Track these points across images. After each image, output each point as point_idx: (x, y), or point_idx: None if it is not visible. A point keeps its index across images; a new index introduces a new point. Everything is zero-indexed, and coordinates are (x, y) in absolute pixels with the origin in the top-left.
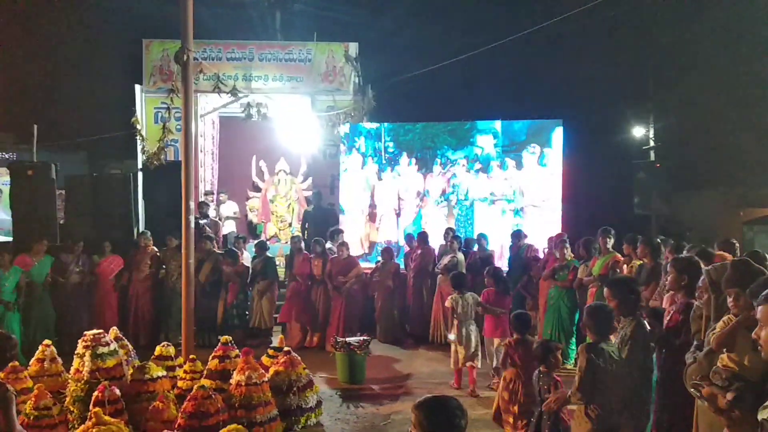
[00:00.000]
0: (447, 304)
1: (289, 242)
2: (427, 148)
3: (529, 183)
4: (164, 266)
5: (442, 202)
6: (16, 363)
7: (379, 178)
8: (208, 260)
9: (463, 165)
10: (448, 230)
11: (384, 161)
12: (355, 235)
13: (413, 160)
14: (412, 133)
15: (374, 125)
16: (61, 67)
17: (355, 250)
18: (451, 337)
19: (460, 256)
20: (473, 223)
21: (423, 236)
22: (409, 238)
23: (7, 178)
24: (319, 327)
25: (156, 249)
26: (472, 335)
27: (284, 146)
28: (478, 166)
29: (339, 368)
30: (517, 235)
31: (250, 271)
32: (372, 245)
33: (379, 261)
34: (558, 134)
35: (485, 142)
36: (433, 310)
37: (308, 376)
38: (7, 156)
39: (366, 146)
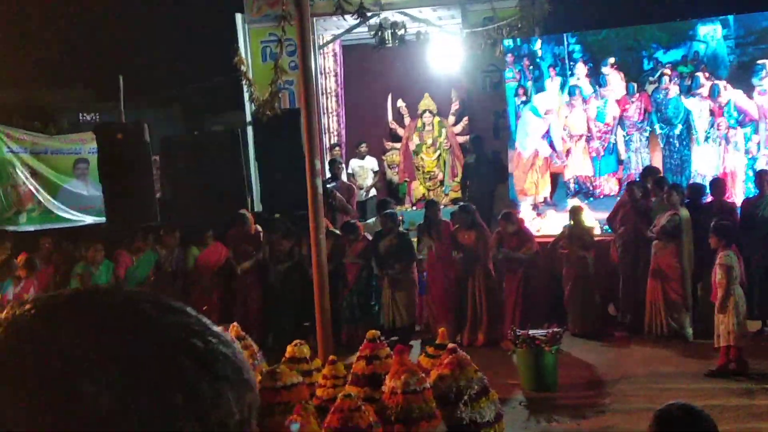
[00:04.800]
0: (721, 261)
1: (443, 205)
2: (629, 48)
3: None
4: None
5: (642, 126)
6: None
7: (568, 102)
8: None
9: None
10: (659, 178)
11: (570, 79)
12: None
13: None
14: (607, 40)
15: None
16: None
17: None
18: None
19: (684, 212)
20: (689, 161)
21: (637, 185)
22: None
23: (94, 144)
24: (479, 320)
25: (260, 228)
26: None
27: (429, 78)
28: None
29: (522, 370)
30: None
31: (376, 250)
32: (554, 185)
33: (565, 227)
34: None
35: (710, 35)
36: (648, 290)
37: (482, 381)
38: (89, 118)
39: (539, 65)
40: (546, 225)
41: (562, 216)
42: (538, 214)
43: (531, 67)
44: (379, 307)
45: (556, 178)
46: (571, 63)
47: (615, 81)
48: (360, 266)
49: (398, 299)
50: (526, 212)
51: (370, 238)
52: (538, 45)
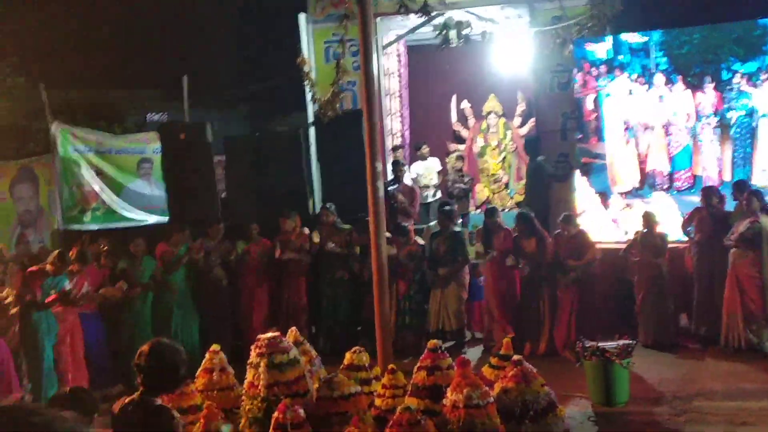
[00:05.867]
0: None
1: (507, 209)
2: (707, 62)
3: None
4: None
5: (712, 122)
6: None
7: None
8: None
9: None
10: (739, 182)
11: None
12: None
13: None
14: (689, 44)
15: (636, 37)
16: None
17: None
18: None
19: (765, 220)
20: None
21: (713, 190)
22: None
23: (158, 144)
24: (541, 329)
25: (307, 229)
26: None
27: (494, 79)
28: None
29: (590, 383)
30: None
31: (427, 251)
32: (644, 176)
33: (637, 233)
34: None
35: None
36: (725, 300)
37: (549, 396)
38: (156, 118)
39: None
40: (632, 218)
41: (648, 208)
42: (627, 205)
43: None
44: (428, 311)
45: (643, 170)
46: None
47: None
48: (413, 271)
49: (446, 302)
50: (615, 201)
51: (422, 243)
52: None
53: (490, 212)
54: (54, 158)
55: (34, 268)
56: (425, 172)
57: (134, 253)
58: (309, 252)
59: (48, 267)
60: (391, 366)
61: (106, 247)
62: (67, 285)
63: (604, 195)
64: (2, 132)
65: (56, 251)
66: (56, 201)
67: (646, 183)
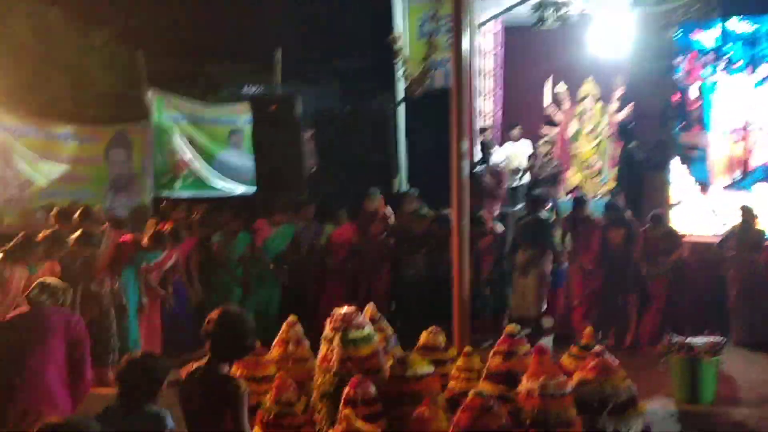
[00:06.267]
0: None
1: (599, 196)
2: None
3: None
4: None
5: None
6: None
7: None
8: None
9: None
10: None
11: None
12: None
13: None
14: None
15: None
16: None
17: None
18: None
19: None
20: None
21: None
22: None
23: (249, 115)
24: (626, 321)
25: (390, 209)
26: None
27: (593, 62)
28: None
29: (675, 380)
30: None
31: (508, 235)
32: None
33: (734, 226)
34: None
35: None
36: None
37: (630, 390)
38: (251, 90)
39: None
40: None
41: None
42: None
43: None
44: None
45: (746, 163)
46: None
47: None
48: (494, 257)
49: (527, 289)
50: (715, 193)
51: (500, 230)
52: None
53: (579, 202)
54: (148, 125)
55: (127, 238)
56: (515, 154)
57: (230, 228)
58: (391, 233)
59: (144, 241)
60: (467, 349)
61: (198, 217)
62: (159, 258)
63: (704, 185)
64: (99, 97)
65: (153, 230)
66: (149, 167)
67: (748, 176)
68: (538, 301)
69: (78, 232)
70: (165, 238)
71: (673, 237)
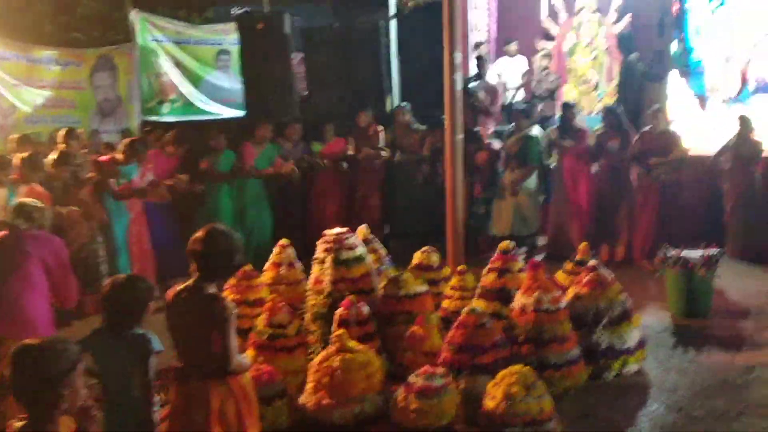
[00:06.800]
0: None
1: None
2: None
3: None
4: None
5: None
6: (249, 267)
7: None
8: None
9: None
10: None
11: None
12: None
13: None
14: None
15: None
16: None
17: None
18: None
19: None
20: None
21: None
22: None
23: (236, 35)
24: (618, 234)
25: (381, 126)
26: None
27: None
28: None
29: (670, 294)
30: None
31: (501, 153)
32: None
33: (731, 139)
34: None
35: None
36: None
37: (624, 304)
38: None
39: None
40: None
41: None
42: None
43: None
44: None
45: (744, 74)
46: None
47: None
48: (488, 176)
49: (519, 207)
50: (714, 107)
51: (498, 146)
52: None
53: (567, 107)
54: (133, 48)
55: (105, 157)
56: (510, 70)
57: (214, 147)
58: (383, 149)
59: (118, 156)
60: (460, 267)
61: (171, 135)
62: (136, 175)
63: (703, 99)
64: (82, 20)
65: (127, 140)
66: (135, 91)
67: (746, 87)
68: (532, 219)
69: (55, 153)
70: (137, 147)
71: (672, 135)
